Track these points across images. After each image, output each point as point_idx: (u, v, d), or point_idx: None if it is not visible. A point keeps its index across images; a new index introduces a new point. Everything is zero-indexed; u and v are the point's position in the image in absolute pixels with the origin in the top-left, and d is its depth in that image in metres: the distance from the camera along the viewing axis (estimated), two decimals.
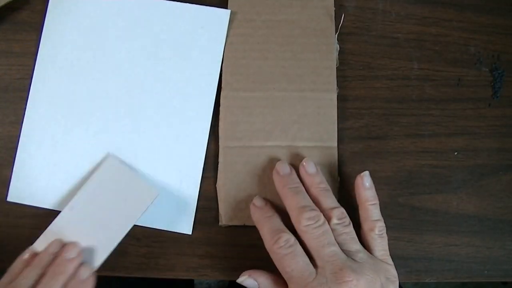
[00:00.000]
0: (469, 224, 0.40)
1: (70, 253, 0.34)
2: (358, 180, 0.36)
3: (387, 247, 0.35)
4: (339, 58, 0.40)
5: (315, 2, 0.40)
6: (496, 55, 0.42)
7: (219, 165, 0.39)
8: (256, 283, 0.34)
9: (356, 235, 0.35)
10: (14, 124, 0.39)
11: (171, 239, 0.38)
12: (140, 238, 0.38)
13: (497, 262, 0.40)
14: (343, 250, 0.33)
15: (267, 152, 0.39)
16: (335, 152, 0.39)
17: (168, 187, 0.38)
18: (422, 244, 0.40)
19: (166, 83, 0.39)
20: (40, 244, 0.35)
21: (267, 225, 0.34)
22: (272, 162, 0.38)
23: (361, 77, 0.41)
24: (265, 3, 0.40)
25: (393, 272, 0.34)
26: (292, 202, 0.34)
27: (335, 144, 0.39)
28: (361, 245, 0.34)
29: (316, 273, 0.32)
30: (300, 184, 0.36)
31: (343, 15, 0.41)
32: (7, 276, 0.33)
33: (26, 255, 0.34)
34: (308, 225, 0.33)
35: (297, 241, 0.33)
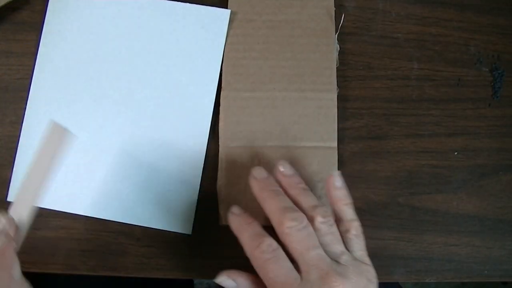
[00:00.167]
0: (469, 224, 0.40)
1: None
2: (329, 180, 0.35)
3: (364, 247, 0.34)
4: (339, 58, 0.40)
5: (315, 2, 0.40)
6: (496, 55, 0.42)
7: (219, 165, 0.38)
8: (235, 284, 0.33)
9: None
10: (14, 124, 0.39)
11: (171, 239, 0.39)
12: (140, 238, 0.38)
13: (497, 262, 0.40)
14: (326, 252, 0.32)
15: (267, 152, 0.39)
16: (335, 152, 0.39)
17: (168, 187, 0.38)
18: (422, 244, 0.40)
19: (166, 83, 0.39)
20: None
21: (247, 231, 0.33)
22: (272, 163, 0.38)
23: (361, 77, 0.41)
24: (265, 3, 0.40)
25: (372, 272, 0.33)
26: (272, 204, 0.33)
27: (335, 144, 0.39)
28: (344, 246, 0.33)
29: (301, 278, 0.31)
30: (279, 187, 0.35)
31: (343, 15, 0.41)
32: None
33: None
34: (291, 227, 0.31)
35: (279, 246, 0.32)
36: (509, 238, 0.40)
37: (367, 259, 0.33)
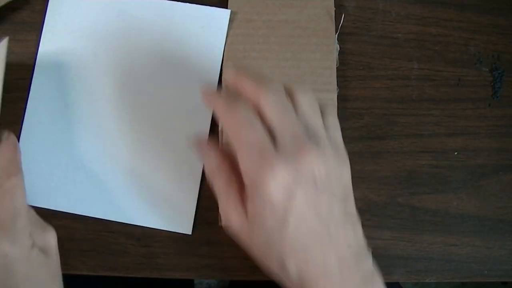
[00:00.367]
0: (469, 224, 0.40)
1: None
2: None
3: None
4: (339, 58, 0.40)
5: (315, 2, 0.40)
6: (496, 55, 0.42)
7: None
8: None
9: None
10: (14, 124, 0.39)
11: (171, 239, 0.39)
12: (140, 238, 0.38)
13: (497, 262, 0.40)
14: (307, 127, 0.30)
15: None
16: None
17: (168, 187, 0.38)
18: (422, 244, 0.40)
19: (166, 82, 0.39)
20: None
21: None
22: None
23: (361, 77, 0.41)
24: (265, 3, 0.40)
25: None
26: (252, 85, 0.31)
27: None
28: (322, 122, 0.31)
29: (276, 149, 0.29)
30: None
31: (343, 15, 0.41)
32: None
33: None
34: (272, 97, 0.30)
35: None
36: (509, 238, 0.40)
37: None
